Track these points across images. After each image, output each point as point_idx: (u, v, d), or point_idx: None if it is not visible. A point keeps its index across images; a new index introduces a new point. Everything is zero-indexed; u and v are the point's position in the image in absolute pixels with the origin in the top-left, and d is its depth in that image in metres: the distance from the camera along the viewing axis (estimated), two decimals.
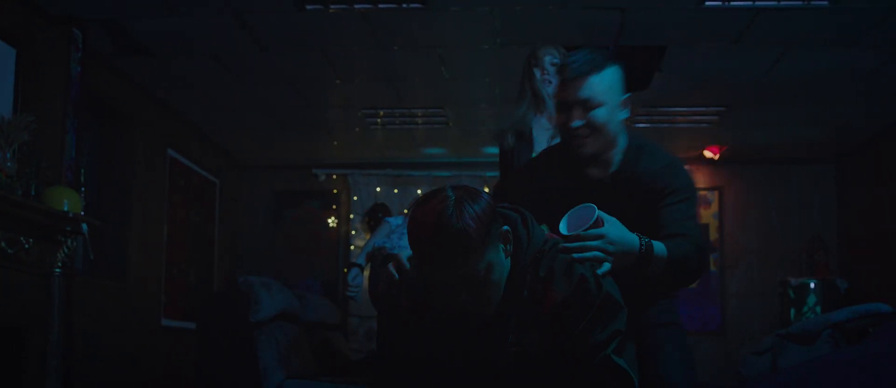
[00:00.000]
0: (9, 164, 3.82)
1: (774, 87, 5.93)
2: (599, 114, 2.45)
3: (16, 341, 3.71)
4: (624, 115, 2.51)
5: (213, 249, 7.45)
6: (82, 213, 4.01)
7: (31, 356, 3.78)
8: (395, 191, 8.03)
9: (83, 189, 4.32)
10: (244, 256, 8.02)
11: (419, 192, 8.11)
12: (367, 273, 4.95)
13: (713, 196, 8.21)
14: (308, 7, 4.63)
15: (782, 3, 4.56)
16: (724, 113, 6.63)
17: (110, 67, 5.50)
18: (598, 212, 2.23)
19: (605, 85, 2.46)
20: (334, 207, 8.28)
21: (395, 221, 5.11)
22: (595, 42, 5.16)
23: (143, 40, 5.13)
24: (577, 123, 2.46)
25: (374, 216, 6.23)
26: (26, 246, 3.73)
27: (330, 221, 8.25)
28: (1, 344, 3.64)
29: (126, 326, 5.69)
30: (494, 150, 3.93)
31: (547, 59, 3.54)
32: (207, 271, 7.31)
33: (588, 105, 2.44)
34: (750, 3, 4.58)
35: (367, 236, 5.84)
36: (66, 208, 3.89)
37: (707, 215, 8.19)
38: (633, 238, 2.28)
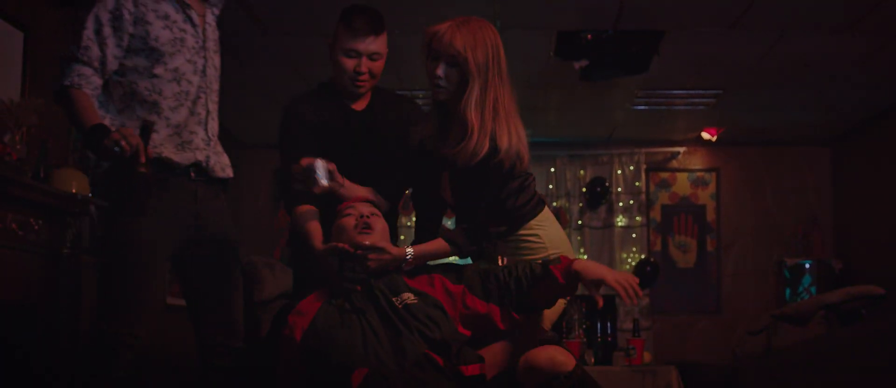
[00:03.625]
0: (18, 146, 3.88)
1: (771, 70, 5.99)
2: None
3: (26, 319, 3.79)
4: None
5: None
6: (90, 194, 4.07)
7: (41, 333, 3.85)
8: None
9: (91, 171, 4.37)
10: (246, 236, 8.08)
11: None
12: None
13: (710, 177, 8.29)
14: None
15: None
16: (722, 96, 6.69)
17: None
18: None
19: None
20: None
21: None
22: (594, 26, 5.22)
23: None
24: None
25: None
26: (36, 227, 3.80)
27: None
28: (12, 322, 3.71)
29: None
30: None
31: None
32: None
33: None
34: None
35: None
36: (73, 190, 3.95)
37: (705, 195, 8.27)
38: None
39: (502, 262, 2.96)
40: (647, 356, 5.66)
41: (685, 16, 5.06)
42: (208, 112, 2.97)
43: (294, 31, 5.33)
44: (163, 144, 2.83)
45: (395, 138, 3.14)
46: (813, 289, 7.50)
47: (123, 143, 2.50)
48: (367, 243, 2.73)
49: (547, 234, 2.94)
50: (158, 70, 2.80)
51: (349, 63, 3.06)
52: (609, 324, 5.62)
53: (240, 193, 8.13)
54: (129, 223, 2.74)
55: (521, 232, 2.94)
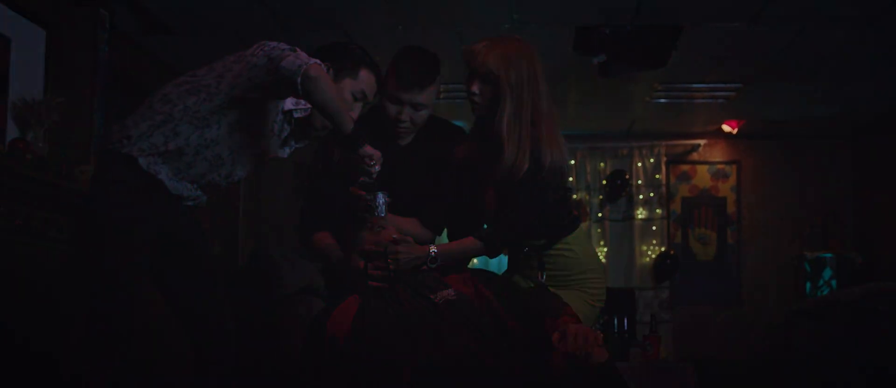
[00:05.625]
0: (40, 144, 3.93)
1: (792, 63, 5.96)
2: None
3: (50, 315, 3.84)
4: None
5: (237, 222, 7.58)
6: None
7: (65, 329, 3.90)
8: None
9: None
10: (268, 228, 8.12)
11: None
12: None
13: (731, 170, 8.26)
14: None
15: None
16: (742, 89, 6.66)
17: (136, 46, 5.59)
18: None
19: None
20: None
21: None
22: (612, 21, 5.22)
23: (167, 19, 5.22)
24: None
25: None
26: (59, 224, 3.85)
27: None
28: (35, 318, 3.76)
29: (153, 299, 5.81)
30: None
31: None
32: (232, 244, 7.44)
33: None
34: None
35: None
36: None
37: (725, 188, 8.24)
38: None
39: (541, 277, 3.01)
40: (663, 352, 5.65)
41: (704, 10, 5.04)
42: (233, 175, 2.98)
43: (313, 27, 5.35)
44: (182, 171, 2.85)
45: (438, 168, 3.15)
46: (834, 282, 7.46)
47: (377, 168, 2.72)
48: (393, 235, 2.77)
49: (582, 250, 3.01)
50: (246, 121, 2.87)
51: (392, 109, 3.08)
52: (626, 319, 5.61)
53: (261, 186, 8.17)
54: (121, 220, 2.76)
55: (559, 246, 2.99)
